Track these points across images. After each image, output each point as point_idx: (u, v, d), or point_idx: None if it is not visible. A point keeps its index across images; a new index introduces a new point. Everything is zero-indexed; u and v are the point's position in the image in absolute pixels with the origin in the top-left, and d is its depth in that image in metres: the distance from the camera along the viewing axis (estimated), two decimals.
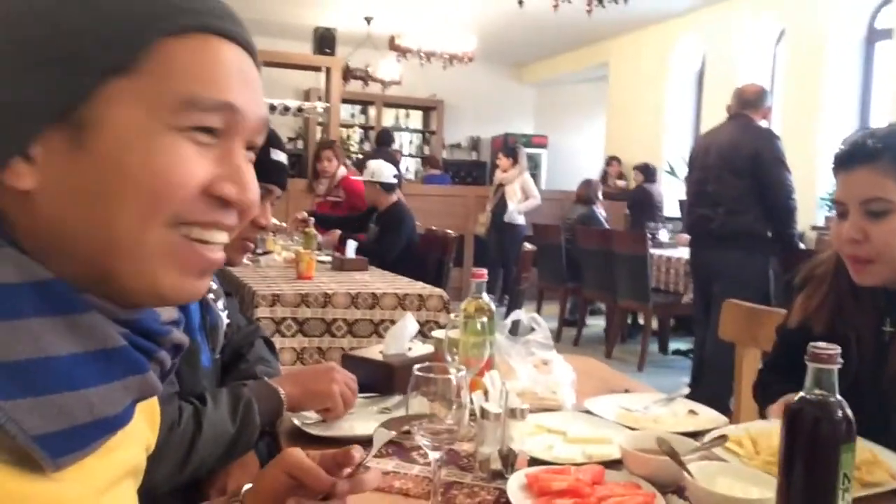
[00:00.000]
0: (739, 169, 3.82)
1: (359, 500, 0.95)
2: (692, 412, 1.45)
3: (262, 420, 1.23)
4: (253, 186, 0.60)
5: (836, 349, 0.78)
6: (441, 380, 0.98)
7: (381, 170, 4.38)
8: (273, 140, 1.39)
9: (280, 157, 1.40)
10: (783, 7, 6.66)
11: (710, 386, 3.67)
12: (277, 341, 2.92)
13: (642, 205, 6.96)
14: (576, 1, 4.87)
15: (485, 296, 1.44)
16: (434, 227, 5.00)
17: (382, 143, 7.22)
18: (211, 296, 1.31)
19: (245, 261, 4.05)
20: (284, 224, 5.00)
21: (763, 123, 4.01)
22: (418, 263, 4.81)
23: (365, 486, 0.81)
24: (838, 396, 0.78)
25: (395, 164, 6.91)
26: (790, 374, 1.29)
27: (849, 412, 0.78)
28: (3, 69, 0.52)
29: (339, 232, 4.49)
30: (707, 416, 1.42)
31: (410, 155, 10.63)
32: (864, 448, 1.15)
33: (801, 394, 0.80)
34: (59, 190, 0.54)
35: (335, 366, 1.38)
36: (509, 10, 6.22)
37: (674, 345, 6.00)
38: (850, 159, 1.30)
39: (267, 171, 1.34)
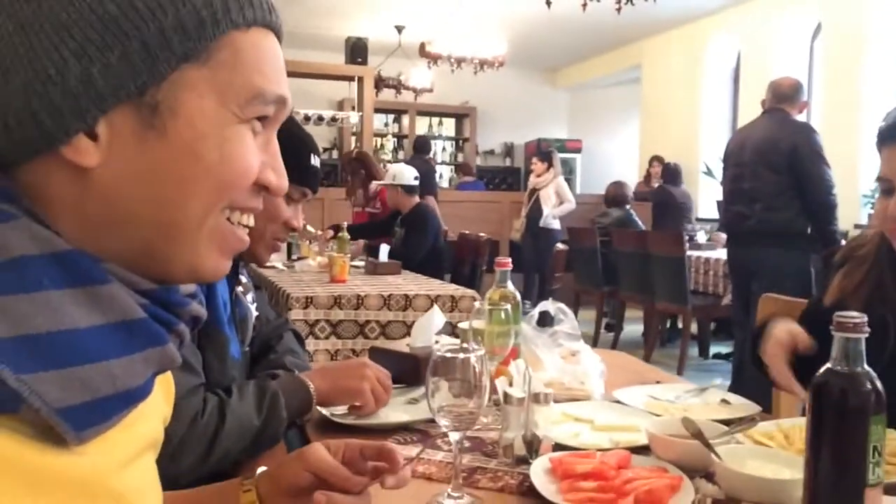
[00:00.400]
0: (776, 164, 3.74)
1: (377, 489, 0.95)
2: (725, 401, 1.42)
3: (290, 413, 1.22)
4: (285, 173, 0.63)
5: (862, 317, 0.76)
6: (461, 361, 0.98)
7: (402, 173, 4.41)
8: (313, 146, 1.42)
9: (316, 162, 1.43)
10: (819, 1, 6.53)
11: (750, 387, 3.60)
12: (311, 343, 2.95)
13: (665, 206, 6.86)
14: (605, 0, 4.83)
15: (509, 284, 1.43)
16: (467, 232, 4.99)
17: (419, 151, 7.24)
18: (240, 289, 1.33)
19: (280, 266, 4.12)
20: (320, 232, 5.05)
21: (800, 117, 3.93)
22: (452, 266, 4.81)
23: (406, 482, 0.83)
24: (866, 367, 0.76)
25: (432, 171, 6.93)
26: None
27: (878, 383, 0.76)
28: (84, 41, 0.52)
29: (363, 242, 4.54)
30: (740, 405, 1.39)
31: (444, 163, 10.66)
32: None
33: (828, 365, 0.77)
34: (124, 170, 0.54)
35: (367, 361, 1.37)
36: (539, 13, 6.21)
37: (714, 349, 5.89)
38: (893, 133, 1.26)
39: (306, 176, 1.38)
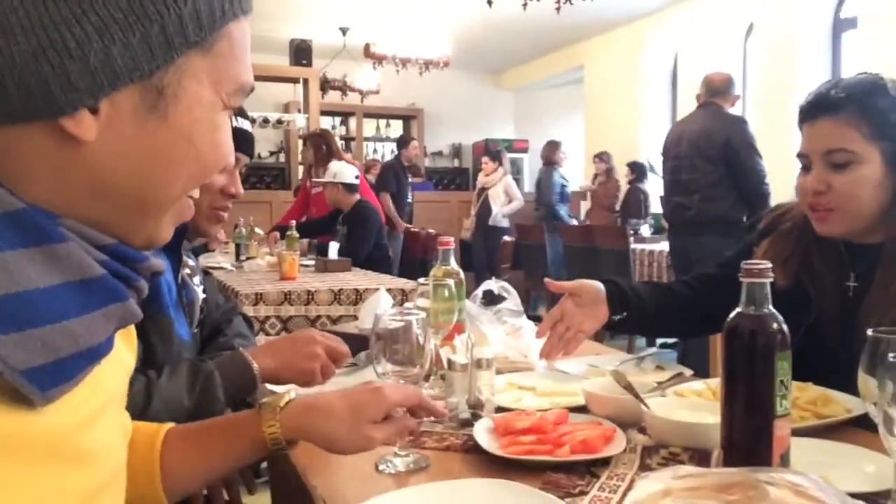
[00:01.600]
0: (712, 156, 3.89)
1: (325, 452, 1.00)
2: (660, 367, 1.49)
3: (229, 394, 1.19)
4: (233, 150, 0.67)
5: (766, 264, 0.83)
6: (402, 328, 1.02)
7: (342, 171, 4.42)
8: (237, 110, 1.39)
9: (245, 125, 1.40)
10: (751, 1, 6.77)
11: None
12: (261, 339, 2.96)
13: (638, 204, 7.06)
14: (546, 2, 4.95)
15: (453, 263, 1.48)
16: (415, 229, 5.04)
17: (403, 147, 7.21)
18: (187, 271, 1.34)
19: (229, 266, 4.10)
20: (266, 235, 5.03)
21: (732, 110, 4.09)
22: (401, 262, 4.85)
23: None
24: (772, 309, 0.83)
25: (405, 169, 6.92)
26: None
27: (783, 324, 0.83)
28: (108, 19, 0.52)
29: (307, 241, 4.56)
30: (673, 371, 1.46)
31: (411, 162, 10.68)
32: (819, 388, 1.20)
33: (738, 309, 0.84)
34: (118, 147, 0.56)
35: (316, 335, 1.30)
36: (482, 15, 6.31)
37: (662, 338, 6.04)
38: (813, 110, 1.29)
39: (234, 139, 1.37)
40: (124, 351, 0.72)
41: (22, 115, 0.53)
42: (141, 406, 1.09)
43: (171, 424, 0.89)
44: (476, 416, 1.15)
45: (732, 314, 0.85)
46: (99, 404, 0.62)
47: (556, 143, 7.20)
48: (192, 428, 0.91)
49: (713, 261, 3.40)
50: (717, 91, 4.04)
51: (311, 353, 1.26)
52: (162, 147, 0.58)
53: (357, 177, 4.48)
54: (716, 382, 1.28)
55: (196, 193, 0.66)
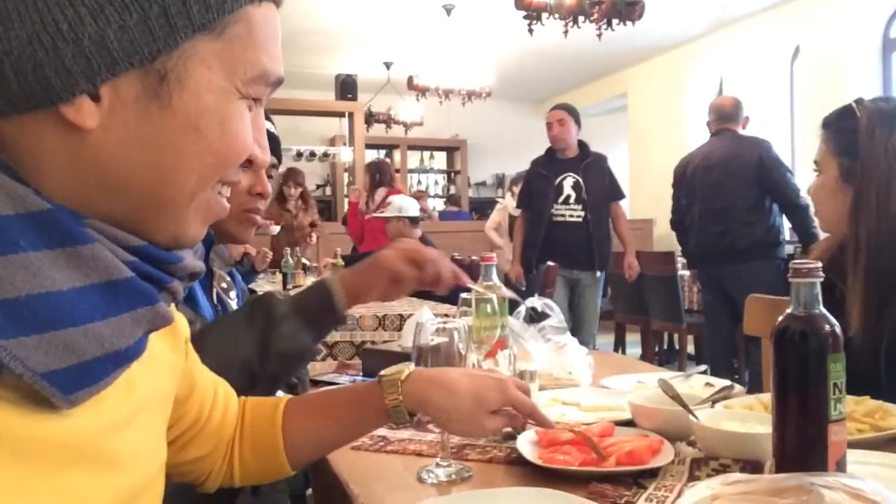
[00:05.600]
0: (747, 179, 3.86)
1: (376, 460, 0.99)
2: (708, 384, 1.45)
3: (302, 311, 1.07)
4: (268, 147, 0.65)
5: (815, 264, 0.81)
6: (443, 344, 1.02)
7: (406, 205, 4.46)
8: None
9: (269, 127, 1.36)
10: (796, 24, 6.70)
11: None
12: (307, 366, 2.98)
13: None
14: (587, 30, 4.96)
15: (495, 278, 1.47)
16: (457, 255, 5.05)
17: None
18: (223, 286, 1.35)
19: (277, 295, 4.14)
20: (316, 265, 5.10)
21: (745, 133, 4.09)
22: (450, 293, 4.83)
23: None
24: (822, 309, 0.80)
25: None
26: None
27: (835, 325, 0.80)
28: (103, 2, 0.50)
29: None
30: (722, 385, 1.42)
31: (437, 195, 10.76)
32: (875, 401, 1.16)
33: (788, 311, 0.82)
34: (122, 136, 0.53)
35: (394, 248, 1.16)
36: (524, 45, 6.36)
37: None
38: (827, 118, 1.53)
39: None
40: (168, 352, 0.71)
41: (22, 103, 0.51)
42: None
43: (287, 398, 0.92)
44: (519, 430, 1.13)
45: (781, 316, 0.82)
46: (132, 408, 0.61)
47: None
48: (314, 398, 0.96)
49: (755, 286, 3.33)
50: (729, 116, 4.04)
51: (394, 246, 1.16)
52: (168, 136, 0.54)
53: (420, 210, 4.54)
54: (767, 397, 1.25)
55: (226, 191, 0.63)
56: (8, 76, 0.50)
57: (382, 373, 0.91)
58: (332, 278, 1.13)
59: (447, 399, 0.89)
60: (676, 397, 1.05)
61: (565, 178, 4.35)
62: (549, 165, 4.45)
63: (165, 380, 0.70)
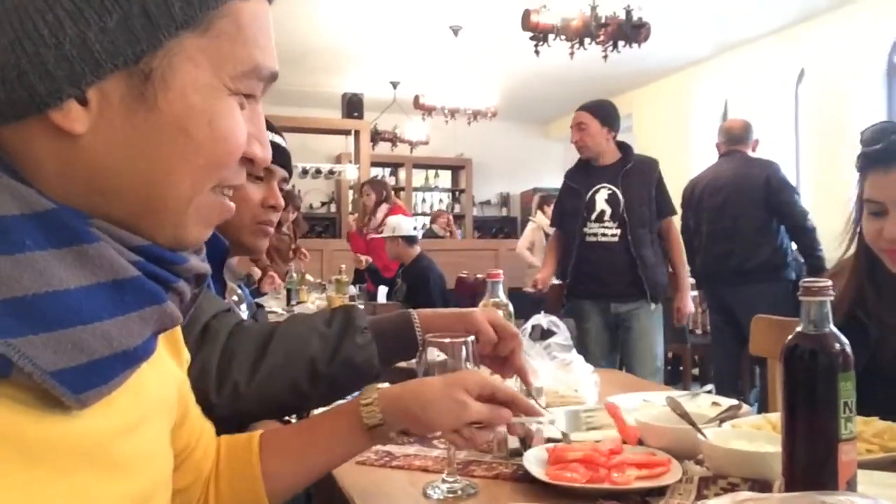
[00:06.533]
0: (755, 200, 3.87)
1: (381, 475, 0.99)
2: (715, 403, 1.45)
3: (381, 335, 1.06)
4: (269, 143, 0.63)
5: (826, 282, 0.81)
6: (450, 345, 1.01)
7: (400, 224, 4.47)
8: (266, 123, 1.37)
9: (274, 137, 1.36)
10: (801, 47, 6.73)
11: None
12: None
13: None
14: (593, 52, 5.00)
15: (501, 295, 1.48)
16: (465, 274, 5.05)
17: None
18: (234, 298, 1.36)
19: (280, 311, 4.15)
20: (320, 280, 5.11)
21: (754, 155, 4.11)
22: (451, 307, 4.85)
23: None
24: (832, 328, 0.80)
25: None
26: None
27: (845, 344, 0.80)
28: (80, 2, 0.50)
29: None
30: (729, 404, 1.42)
31: (441, 211, 10.78)
32: (885, 422, 1.15)
33: (797, 329, 0.82)
34: (111, 140, 0.53)
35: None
36: (529, 66, 6.40)
37: None
38: (887, 157, 1.31)
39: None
40: (172, 365, 0.71)
41: (12, 111, 0.51)
42: (264, 335, 1.03)
43: (261, 431, 0.88)
44: (525, 447, 1.13)
45: (791, 335, 0.82)
46: (142, 412, 0.61)
47: None
48: (293, 426, 0.92)
49: (762, 307, 3.30)
50: (738, 138, 4.05)
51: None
52: (156, 138, 0.54)
53: (415, 228, 4.55)
54: (775, 416, 1.24)
55: (229, 192, 0.62)
56: None
57: (358, 394, 0.88)
58: (414, 313, 1.11)
59: (418, 386, 0.88)
60: (685, 415, 1.04)
61: (598, 190, 3.56)
62: (579, 177, 3.67)
63: (170, 390, 0.70)
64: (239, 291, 1.38)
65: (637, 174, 3.57)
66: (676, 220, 3.77)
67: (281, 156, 1.37)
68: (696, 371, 5.71)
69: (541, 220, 6.64)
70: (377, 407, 0.85)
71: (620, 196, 3.51)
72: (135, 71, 0.52)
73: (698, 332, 5.45)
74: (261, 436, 0.86)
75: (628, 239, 3.47)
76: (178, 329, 0.74)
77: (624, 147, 3.66)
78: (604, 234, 3.55)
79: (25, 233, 0.49)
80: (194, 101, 0.54)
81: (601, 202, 3.57)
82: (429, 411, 0.85)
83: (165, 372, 0.69)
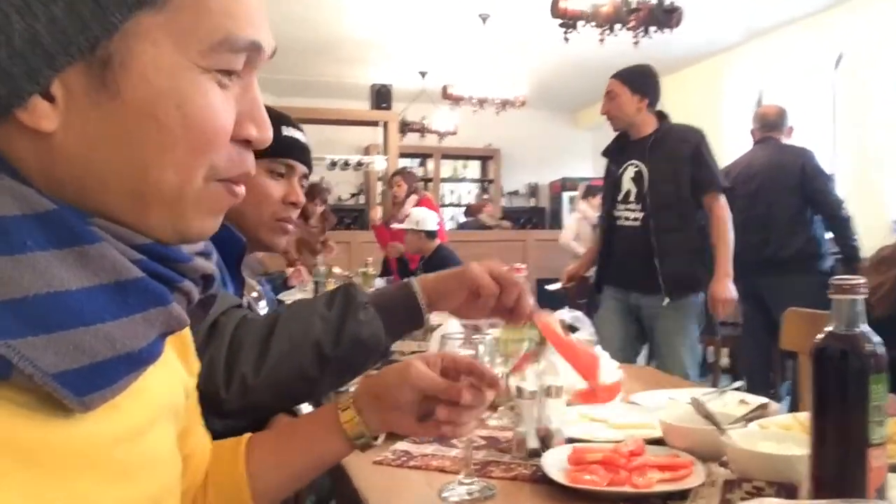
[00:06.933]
0: (790, 188, 3.79)
1: (398, 475, 0.97)
2: (743, 402, 1.41)
3: (386, 314, 1.05)
4: (268, 122, 0.59)
5: (858, 279, 0.77)
6: (470, 352, 0.99)
7: (425, 219, 4.46)
8: (284, 118, 1.34)
9: (294, 133, 1.35)
10: (838, 31, 6.55)
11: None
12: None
13: None
14: (624, 38, 4.91)
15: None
16: None
17: None
18: (254, 295, 1.35)
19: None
20: (347, 273, 5.12)
21: (788, 142, 4.00)
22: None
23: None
24: (864, 327, 0.77)
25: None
26: None
27: (877, 344, 0.76)
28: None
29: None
30: (757, 403, 1.38)
31: (469, 204, 10.74)
32: None
33: (828, 328, 0.78)
34: (83, 134, 0.51)
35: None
36: (558, 54, 6.34)
37: None
38: None
39: (281, 148, 1.31)
40: (180, 367, 0.70)
41: None
42: (268, 325, 1.03)
43: (248, 435, 0.86)
44: (545, 447, 1.11)
45: (821, 334, 0.78)
46: (148, 417, 0.60)
47: None
48: (277, 430, 0.90)
49: (795, 297, 3.20)
50: (773, 125, 3.96)
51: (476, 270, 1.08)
52: (125, 129, 0.51)
53: (437, 223, 4.52)
54: (805, 416, 1.20)
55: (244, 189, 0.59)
56: None
57: (333, 406, 0.86)
58: (415, 281, 1.10)
59: (382, 373, 0.86)
60: (709, 416, 1.01)
61: (627, 167, 3.18)
62: (614, 152, 3.30)
63: (177, 393, 0.69)
64: (258, 288, 1.37)
65: (666, 147, 3.09)
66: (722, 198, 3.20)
67: (301, 152, 1.36)
68: (725, 363, 5.62)
69: (585, 210, 6.58)
70: (353, 409, 0.83)
71: (645, 173, 3.11)
72: (93, 60, 0.49)
73: (729, 321, 5.36)
74: (248, 440, 0.85)
75: (649, 223, 3.08)
76: (188, 334, 0.73)
77: (660, 116, 3.20)
78: (626, 218, 3.19)
79: (26, 233, 0.48)
80: (158, 84, 0.51)
81: (627, 181, 3.19)
82: (390, 388, 0.83)
83: (174, 376, 0.68)
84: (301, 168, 1.36)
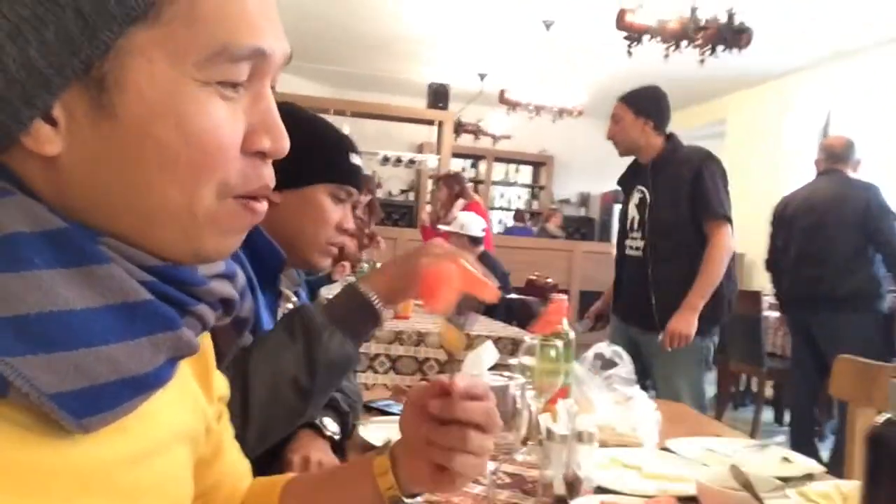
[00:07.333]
0: (853, 224, 3.65)
1: None
2: (786, 459, 1.34)
3: (339, 320, 1.06)
4: (284, 132, 0.56)
5: None
6: (499, 389, 0.96)
7: (470, 224, 4.42)
8: (351, 145, 1.35)
9: (358, 161, 1.36)
10: None
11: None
12: (370, 377, 2.97)
13: None
14: (689, 54, 4.80)
15: (563, 322, 1.40)
16: (535, 276, 4.96)
17: None
18: (289, 306, 1.34)
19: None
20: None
21: (855, 176, 3.86)
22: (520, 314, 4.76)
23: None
24: None
25: None
26: None
27: None
28: (17, 20, 0.47)
29: None
30: (802, 464, 1.31)
31: (518, 209, 10.68)
32: None
33: (887, 415, 0.72)
34: (86, 156, 0.50)
35: (432, 243, 1.11)
36: (620, 65, 6.22)
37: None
38: None
39: (348, 176, 1.32)
40: (202, 397, 0.68)
41: None
42: (242, 371, 1.01)
43: (289, 476, 0.83)
44: (572, 494, 1.06)
45: (881, 419, 0.72)
46: (157, 441, 0.58)
47: None
48: (313, 478, 0.86)
49: (849, 339, 3.03)
50: (839, 157, 3.83)
51: (423, 252, 1.09)
52: (125, 150, 0.50)
53: (483, 229, 4.48)
54: (847, 485, 1.13)
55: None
56: None
57: (372, 454, 0.79)
58: (361, 283, 1.11)
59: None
60: (748, 486, 0.95)
61: (633, 193, 3.11)
62: (626, 178, 3.23)
63: (193, 420, 0.67)
64: (294, 299, 1.36)
65: (669, 170, 2.93)
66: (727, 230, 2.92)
67: (355, 176, 1.36)
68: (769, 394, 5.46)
69: None
70: (387, 457, 0.75)
71: (648, 199, 2.97)
72: (89, 81, 0.48)
73: (778, 352, 5.20)
74: (284, 484, 0.81)
75: (647, 252, 2.92)
76: (210, 359, 0.71)
77: (671, 139, 3.06)
78: (630, 247, 3.07)
79: (34, 251, 0.47)
80: (154, 101, 0.49)
81: (633, 208, 3.09)
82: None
83: (192, 402, 0.66)
84: (357, 196, 1.37)
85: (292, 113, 0.93)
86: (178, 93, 0.50)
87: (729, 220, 2.89)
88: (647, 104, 3.07)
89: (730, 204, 2.93)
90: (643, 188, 3.04)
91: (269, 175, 0.57)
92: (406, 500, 0.74)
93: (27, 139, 0.49)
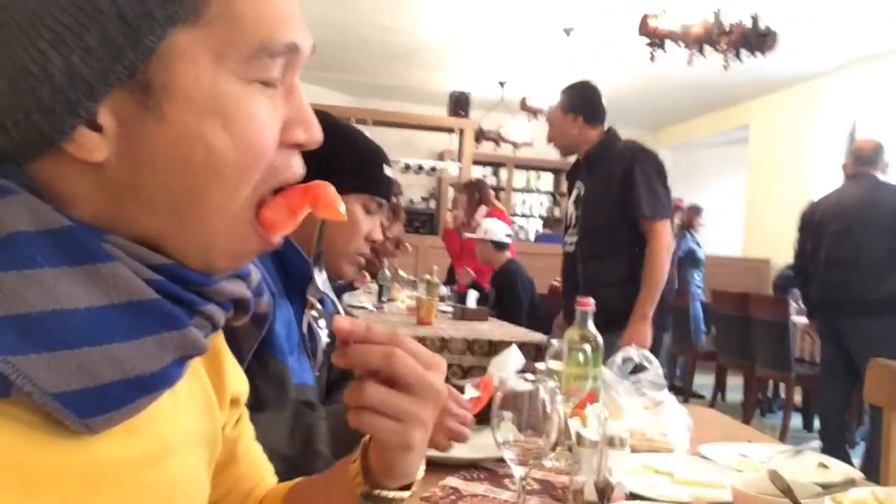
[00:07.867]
0: (883, 228, 3.58)
1: None
2: (822, 465, 1.31)
3: (339, 445, 1.08)
4: (316, 122, 0.57)
5: None
6: (528, 394, 0.94)
7: (494, 229, 4.40)
8: (384, 157, 1.37)
9: (390, 173, 1.38)
10: None
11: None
12: None
13: None
14: (712, 59, 4.75)
15: (590, 326, 1.38)
16: (556, 282, 4.92)
17: None
18: (314, 314, 1.33)
19: (370, 307, 4.17)
20: (412, 277, 5.11)
21: (884, 179, 3.81)
22: (546, 318, 4.74)
23: None
24: None
25: None
26: None
27: None
28: (59, 29, 0.47)
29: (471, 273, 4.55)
30: (839, 470, 1.27)
31: (540, 216, 10.64)
32: None
33: None
34: (134, 161, 0.50)
35: (446, 393, 1.19)
36: (642, 71, 6.19)
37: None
38: None
39: (381, 188, 1.34)
40: (212, 398, 0.66)
41: (30, 150, 0.49)
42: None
43: (298, 480, 0.81)
44: (604, 500, 1.04)
45: None
46: (168, 442, 0.57)
47: (697, 209, 6.80)
48: (309, 479, 0.84)
49: (876, 346, 2.96)
50: (867, 160, 3.77)
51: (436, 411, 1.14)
52: (170, 151, 0.50)
53: (508, 235, 4.46)
54: (883, 492, 1.09)
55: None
56: (8, 128, 0.48)
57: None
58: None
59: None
60: (787, 491, 0.92)
61: (573, 189, 3.11)
62: (570, 174, 3.24)
63: (207, 423, 0.65)
64: (318, 307, 1.35)
65: (601, 166, 2.89)
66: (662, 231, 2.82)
67: (387, 188, 1.37)
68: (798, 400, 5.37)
69: None
70: (357, 464, 0.67)
71: (582, 195, 2.97)
72: (134, 86, 0.48)
73: (806, 358, 5.12)
74: (291, 487, 0.79)
75: (578, 249, 2.92)
76: (225, 362, 0.70)
77: (608, 134, 3.03)
78: (566, 243, 3.07)
79: (37, 249, 0.47)
80: (202, 103, 0.50)
81: (571, 204, 3.07)
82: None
83: (206, 404, 0.65)
84: (386, 207, 1.39)
85: (329, 122, 0.92)
86: (223, 93, 0.50)
87: (666, 216, 2.83)
88: (574, 100, 3.06)
89: (668, 198, 2.86)
90: (581, 184, 3.03)
91: (297, 166, 0.57)
92: (381, 493, 0.64)
93: (70, 146, 0.48)
